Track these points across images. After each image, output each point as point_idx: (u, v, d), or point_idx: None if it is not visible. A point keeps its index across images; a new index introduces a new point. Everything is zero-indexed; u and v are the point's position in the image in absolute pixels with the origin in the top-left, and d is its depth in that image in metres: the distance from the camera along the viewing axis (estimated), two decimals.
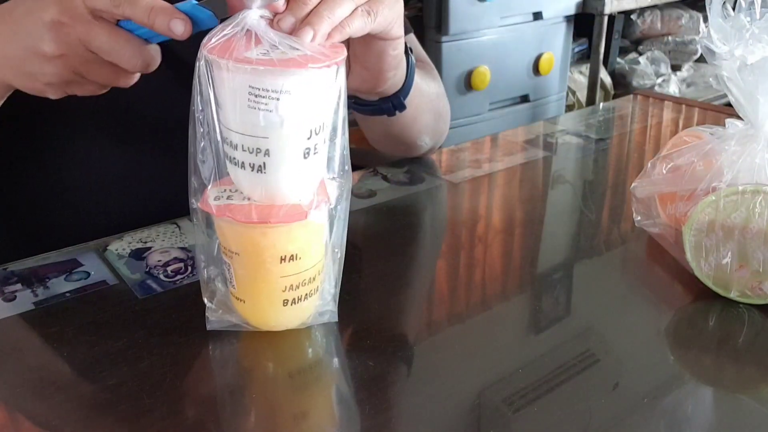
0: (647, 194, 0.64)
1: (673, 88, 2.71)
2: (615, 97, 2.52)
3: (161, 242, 0.67)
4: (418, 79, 0.72)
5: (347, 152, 0.51)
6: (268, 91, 0.44)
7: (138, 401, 0.47)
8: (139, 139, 0.75)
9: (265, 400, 0.49)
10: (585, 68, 2.51)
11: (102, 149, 0.75)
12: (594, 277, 0.66)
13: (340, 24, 0.50)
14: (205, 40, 0.46)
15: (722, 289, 0.58)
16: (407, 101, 0.70)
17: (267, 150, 0.46)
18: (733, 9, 0.59)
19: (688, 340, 0.56)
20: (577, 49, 2.53)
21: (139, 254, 0.65)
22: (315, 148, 0.48)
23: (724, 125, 0.61)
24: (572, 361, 0.52)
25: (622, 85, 2.63)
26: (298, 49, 0.46)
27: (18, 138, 0.74)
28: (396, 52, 0.62)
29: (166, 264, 0.63)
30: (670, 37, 2.73)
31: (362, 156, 0.94)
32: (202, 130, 0.48)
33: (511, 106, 2.20)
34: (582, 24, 2.36)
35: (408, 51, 0.70)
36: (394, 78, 0.66)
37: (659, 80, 2.69)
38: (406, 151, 0.86)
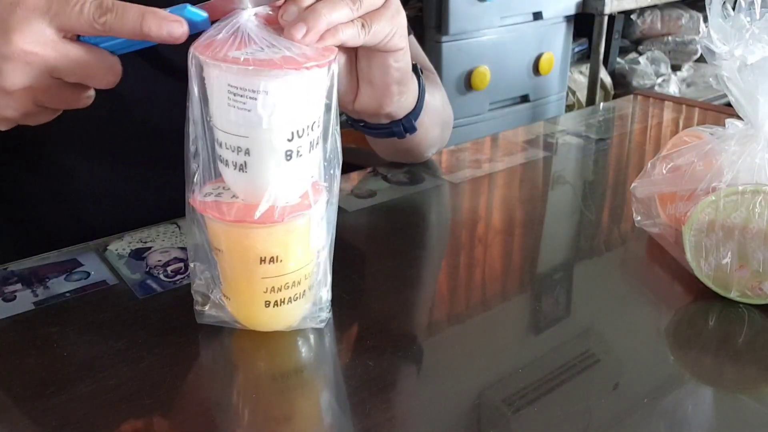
0: (647, 194, 0.64)
1: (673, 88, 2.71)
2: (615, 97, 2.53)
3: (161, 242, 0.67)
4: (427, 95, 0.71)
5: (336, 156, 0.50)
6: (245, 90, 0.44)
7: (138, 401, 0.47)
8: (137, 145, 0.75)
9: (266, 400, 0.49)
10: (585, 68, 2.51)
11: (100, 157, 0.75)
12: (594, 277, 0.66)
13: (333, 27, 0.50)
14: (197, 39, 0.46)
15: (722, 289, 0.58)
16: (417, 122, 0.70)
17: (247, 149, 0.46)
18: (733, 9, 0.58)
19: (688, 340, 0.56)
20: (577, 49, 2.53)
21: (139, 254, 0.65)
22: (299, 151, 0.47)
23: (724, 125, 0.61)
24: (572, 361, 0.52)
25: (622, 85, 2.63)
26: (287, 50, 0.46)
27: (14, 147, 0.74)
28: (399, 64, 0.61)
29: (166, 264, 0.63)
30: (670, 37, 2.74)
31: (362, 156, 0.94)
32: (196, 128, 0.48)
33: (511, 106, 2.20)
34: (582, 24, 2.37)
35: (419, 72, 0.69)
36: (402, 96, 0.65)
37: (659, 80, 2.69)
38: (412, 161, 0.86)
